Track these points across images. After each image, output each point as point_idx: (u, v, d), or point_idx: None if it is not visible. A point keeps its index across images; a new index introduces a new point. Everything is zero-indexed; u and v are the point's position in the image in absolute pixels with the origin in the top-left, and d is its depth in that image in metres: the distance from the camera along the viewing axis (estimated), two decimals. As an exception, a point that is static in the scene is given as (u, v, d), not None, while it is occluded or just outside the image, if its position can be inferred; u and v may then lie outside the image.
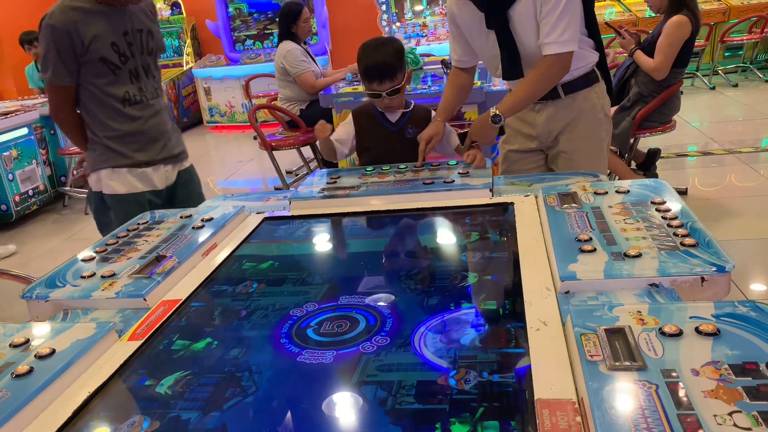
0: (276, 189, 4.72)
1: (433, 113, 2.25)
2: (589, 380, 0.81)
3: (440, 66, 4.35)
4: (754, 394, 0.75)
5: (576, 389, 0.85)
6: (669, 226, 1.25)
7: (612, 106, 2.87)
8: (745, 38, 7.29)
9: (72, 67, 2.10)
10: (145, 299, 1.27)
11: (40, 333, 1.15)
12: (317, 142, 2.23)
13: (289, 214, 1.79)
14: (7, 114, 5.11)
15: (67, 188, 5.54)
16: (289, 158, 5.48)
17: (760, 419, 0.71)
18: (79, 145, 2.35)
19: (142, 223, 1.71)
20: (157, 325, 1.20)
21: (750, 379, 0.77)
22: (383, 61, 2.11)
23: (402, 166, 2.00)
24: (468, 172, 1.85)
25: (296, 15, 4.63)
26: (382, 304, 1.23)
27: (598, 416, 0.75)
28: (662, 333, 0.89)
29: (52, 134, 5.54)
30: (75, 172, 5.34)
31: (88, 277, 1.37)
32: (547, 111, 2.11)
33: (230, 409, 0.97)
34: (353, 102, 3.85)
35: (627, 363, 0.83)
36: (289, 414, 0.98)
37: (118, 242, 1.58)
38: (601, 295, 1.09)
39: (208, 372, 1.08)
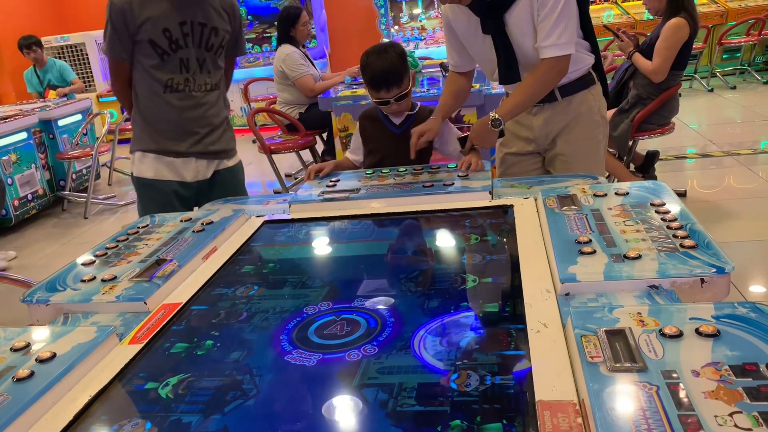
0: (275, 192, 4.73)
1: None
2: (590, 381, 0.81)
3: (439, 69, 4.36)
4: (755, 395, 0.75)
5: (577, 391, 0.85)
6: (668, 227, 1.26)
7: (610, 108, 2.88)
8: (742, 40, 7.31)
9: (126, 44, 2.15)
10: (145, 303, 1.28)
11: (41, 337, 1.15)
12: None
13: (289, 217, 1.79)
14: (6, 118, 5.11)
15: (66, 192, 5.54)
16: (288, 161, 5.49)
17: (760, 420, 0.71)
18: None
19: (143, 227, 1.71)
20: (158, 329, 1.20)
21: (750, 379, 0.78)
22: (389, 69, 2.11)
23: (402, 169, 2.00)
24: (467, 175, 1.86)
25: (295, 18, 4.64)
26: (382, 306, 1.23)
27: (599, 417, 0.75)
28: (662, 334, 0.89)
29: (50, 138, 5.54)
30: None
31: (89, 281, 1.37)
32: (544, 114, 2.12)
33: (231, 412, 0.97)
34: (352, 105, 3.86)
35: (627, 364, 0.83)
36: (290, 417, 0.98)
37: (118, 246, 1.58)
38: (601, 296, 1.09)
39: (209, 375, 1.08)
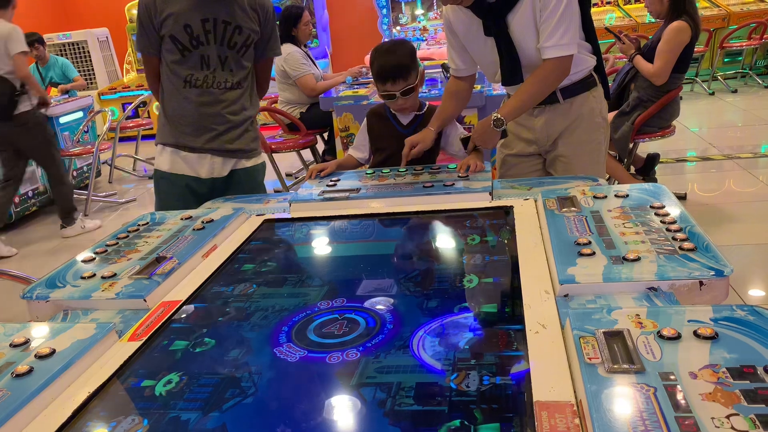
0: (276, 191, 4.73)
1: None
2: (588, 383, 0.82)
3: (440, 70, 4.36)
4: (752, 398, 0.75)
5: (574, 391, 0.86)
6: (668, 230, 1.26)
7: (611, 110, 2.88)
8: (744, 44, 7.31)
9: (152, 39, 2.20)
10: (145, 300, 1.28)
11: (40, 333, 1.15)
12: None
13: (289, 216, 1.79)
14: (8, 115, 5.11)
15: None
16: (288, 161, 5.49)
17: (757, 422, 0.71)
18: None
19: (143, 225, 1.71)
20: (157, 326, 1.21)
21: (747, 382, 0.78)
22: (396, 61, 2.12)
23: (402, 169, 2.01)
24: (468, 176, 1.86)
25: (297, 18, 4.64)
26: (381, 306, 1.24)
27: (596, 418, 0.75)
28: (660, 336, 0.89)
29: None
30: None
31: (89, 277, 1.38)
32: (545, 115, 2.12)
33: (229, 410, 0.98)
34: (353, 105, 3.86)
35: (625, 366, 0.83)
36: (288, 415, 0.98)
37: (118, 243, 1.58)
38: (599, 298, 1.10)
39: (208, 373, 1.09)
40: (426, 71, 4.89)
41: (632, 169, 3.96)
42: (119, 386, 1.06)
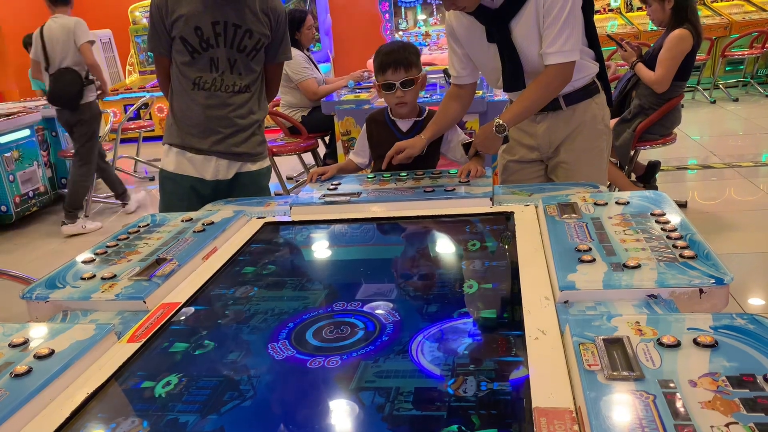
0: (276, 194, 4.73)
1: None
2: (587, 389, 0.81)
3: (442, 75, 4.37)
4: (751, 406, 0.75)
5: (574, 398, 0.86)
6: (668, 237, 1.26)
7: (612, 117, 2.89)
8: (746, 53, 7.32)
9: (163, 39, 2.22)
10: (144, 302, 1.28)
11: (40, 333, 1.15)
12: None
13: (290, 219, 1.79)
14: (10, 115, 5.13)
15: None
16: (289, 164, 5.50)
17: (756, 431, 0.71)
18: None
19: (143, 226, 1.71)
20: (156, 328, 1.21)
21: (747, 391, 0.78)
22: (399, 54, 2.13)
23: (403, 173, 2.01)
24: (468, 181, 1.86)
25: (300, 22, 4.65)
26: (381, 311, 1.24)
27: (595, 425, 0.75)
28: (660, 344, 0.89)
29: (53, 136, 5.55)
30: None
31: (88, 278, 1.38)
32: (547, 122, 2.12)
33: (228, 412, 0.97)
34: (355, 109, 3.87)
35: (625, 373, 0.83)
36: (286, 419, 0.98)
37: (118, 245, 1.58)
38: (599, 305, 1.10)
39: (207, 375, 1.09)
40: (428, 76, 4.93)
41: (633, 177, 3.96)
42: (118, 388, 1.06)
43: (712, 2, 7.91)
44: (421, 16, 8.02)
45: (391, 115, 2.25)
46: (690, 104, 6.99)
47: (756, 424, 0.72)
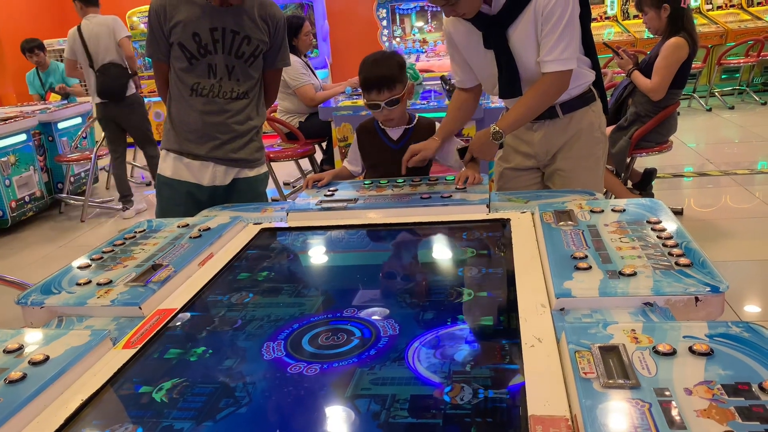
0: (273, 200, 4.73)
1: (437, 125, 2.26)
2: (583, 397, 0.81)
3: (440, 82, 4.38)
4: (747, 415, 0.75)
5: (569, 406, 0.85)
6: (664, 245, 1.26)
7: (609, 125, 2.89)
8: (741, 61, 7.36)
9: (161, 45, 2.23)
10: (140, 308, 1.27)
11: (34, 339, 1.14)
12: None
13: (287, 225, 1.79)
14: (6, 120, 5.12)
15: (63, 195, 5.53)
16: (286, 170, 5.50)
17: (752, 439, 0.71)
18: None
19: (139, 232, 1.71)
20: (152, 334, 1.20)
21: (742, 399, 0.78)
22: (382, 71, 2.13)
23: (400, 180, 2.01)
24: (465, 188, 1.86)
25: (298, 28, 4.66)
26: (377, 317, 1.24)
27: (591, 433, 0.75)
28: (656, 352, 0.89)
29: (50, 141, 5.55)
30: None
31: (84, 284, 1.37)
32: (544, 129, 2.12)
33: (223, 419, 0.97)
34: (352, 115, 3.87)
35: (621, 381, 0.83)
36: (282, 426, 0.98)
37: (114, 250, 1.58)
38: (595, 312, 1.10)
39: (202, 382, 1.08)
40: (425, 83, 4.94)
41: (629, 184, 3.97)
42: (113, 394, 1.05)
43: (707, 11, 7.96)
44: (418, 24, 8.04)
45: (381, 125, 2.26)
46: (686, 112, 7.02)
47: (751, 433, 0.72)
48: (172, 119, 2.33)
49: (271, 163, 4.38)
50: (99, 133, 6.28)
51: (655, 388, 0.81)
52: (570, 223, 1.44)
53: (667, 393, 0.80)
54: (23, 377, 1.01)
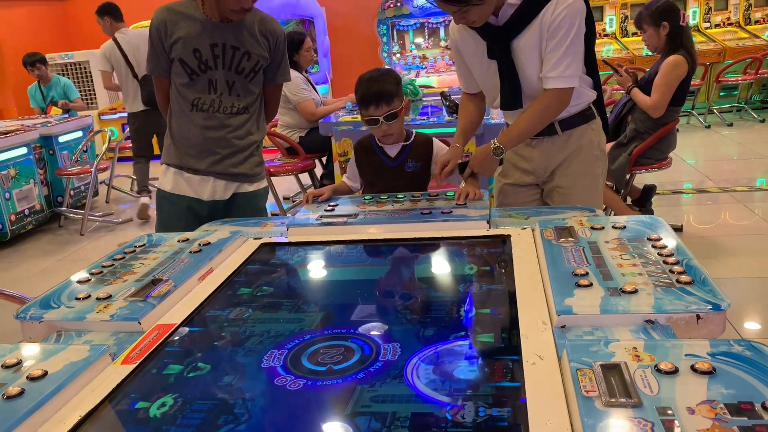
0: (273, 215, 4.73)
1: (436, 141, 2.26)
2: (585, 416, 0.81)
3: (440, 98, 4.40)
4: (750, 435, 0.74)
5: (571, 425, 0.85)
6: (665, 262, 1.26)
7: (608, 142, 2.90)
8: (740, 79, 7.40)
9: (162, 60, 2.24)
10: (139, 323, 1.27)
11: (33, 354, 1.14)
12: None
13: (287, 240, 1.79)
14: (7, 133, 5.13)
15: (63, 209, 5.53)
16: (286, 185, 5.50)
17: (755, 460, 0.70)
18: None
19: (139, 246, 1.70)
20: (151, 349, 1.20)
21: (745, 418, 0.77)
22: (380, 86, 2.14)
23: (400, 195, 2.01)
24: (465, 204, 1.86)
25: (299, 44, 4.69)
26: (377, 333, 1.23)
27: (593, 453, 0.74)
28: (658, 370, 0.89)
29: (50, 154, 5.55)
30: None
31: (83, 299, 1.37)
32: (542, 146, 2.13)
33: (222, 436, 0.96)
34: (353, 131, 3.88)
35: (623, 399, 0.83)
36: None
37: (114, 264, 1.57)
38: (596, 330, 1.09)
39: (201, 398, 1.08)
40: (425, 99, 4.96)
41: (629, 200, 3.98)
42: (111, 410, 1.04)
43: (706, 29, 8.01)
44: (418, 40, 8.10)
45: (378, 142, 2.27)
46: (685, 129, 7.05)
47: (755, 453, 0.71)
48: (172, 134, 2.34)
49: (271, 178, 4.39)
50: (99, 147, 6.30)
51: (658, 407, 0.81)
52: (571, 239, 1.44)
53: (669, 412, 0.80)
54: (21, 392, 1.00)
